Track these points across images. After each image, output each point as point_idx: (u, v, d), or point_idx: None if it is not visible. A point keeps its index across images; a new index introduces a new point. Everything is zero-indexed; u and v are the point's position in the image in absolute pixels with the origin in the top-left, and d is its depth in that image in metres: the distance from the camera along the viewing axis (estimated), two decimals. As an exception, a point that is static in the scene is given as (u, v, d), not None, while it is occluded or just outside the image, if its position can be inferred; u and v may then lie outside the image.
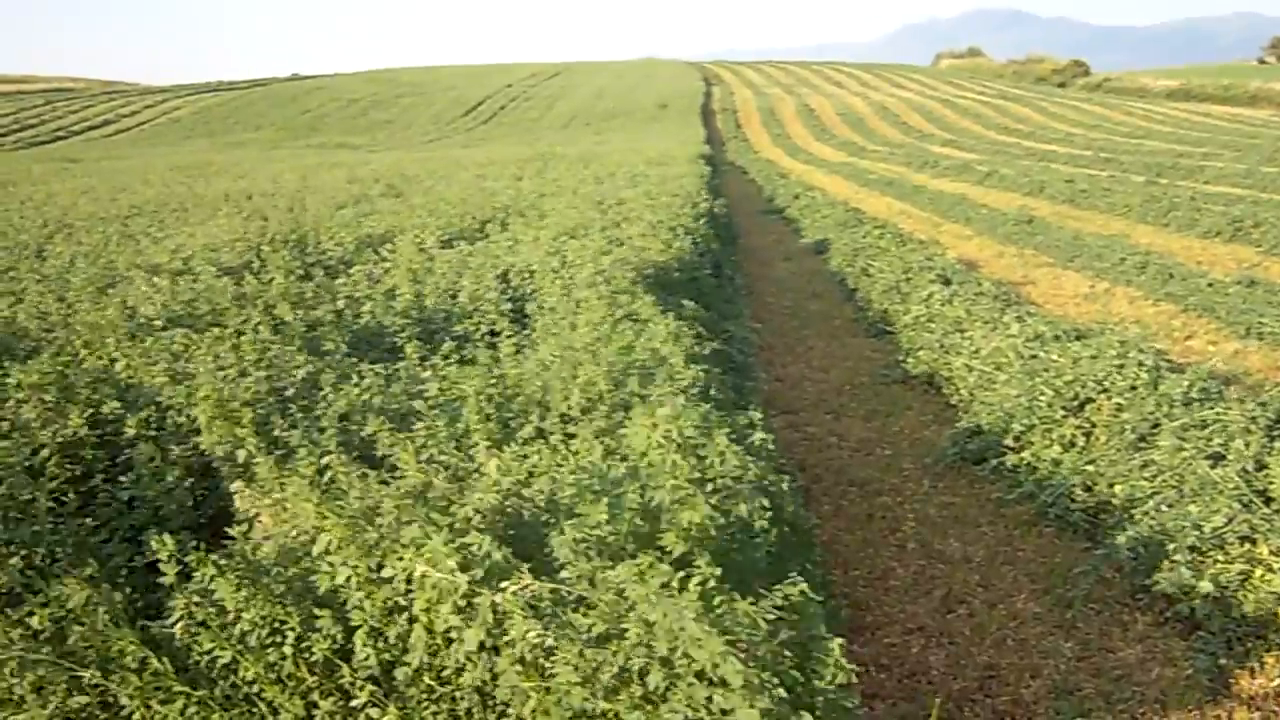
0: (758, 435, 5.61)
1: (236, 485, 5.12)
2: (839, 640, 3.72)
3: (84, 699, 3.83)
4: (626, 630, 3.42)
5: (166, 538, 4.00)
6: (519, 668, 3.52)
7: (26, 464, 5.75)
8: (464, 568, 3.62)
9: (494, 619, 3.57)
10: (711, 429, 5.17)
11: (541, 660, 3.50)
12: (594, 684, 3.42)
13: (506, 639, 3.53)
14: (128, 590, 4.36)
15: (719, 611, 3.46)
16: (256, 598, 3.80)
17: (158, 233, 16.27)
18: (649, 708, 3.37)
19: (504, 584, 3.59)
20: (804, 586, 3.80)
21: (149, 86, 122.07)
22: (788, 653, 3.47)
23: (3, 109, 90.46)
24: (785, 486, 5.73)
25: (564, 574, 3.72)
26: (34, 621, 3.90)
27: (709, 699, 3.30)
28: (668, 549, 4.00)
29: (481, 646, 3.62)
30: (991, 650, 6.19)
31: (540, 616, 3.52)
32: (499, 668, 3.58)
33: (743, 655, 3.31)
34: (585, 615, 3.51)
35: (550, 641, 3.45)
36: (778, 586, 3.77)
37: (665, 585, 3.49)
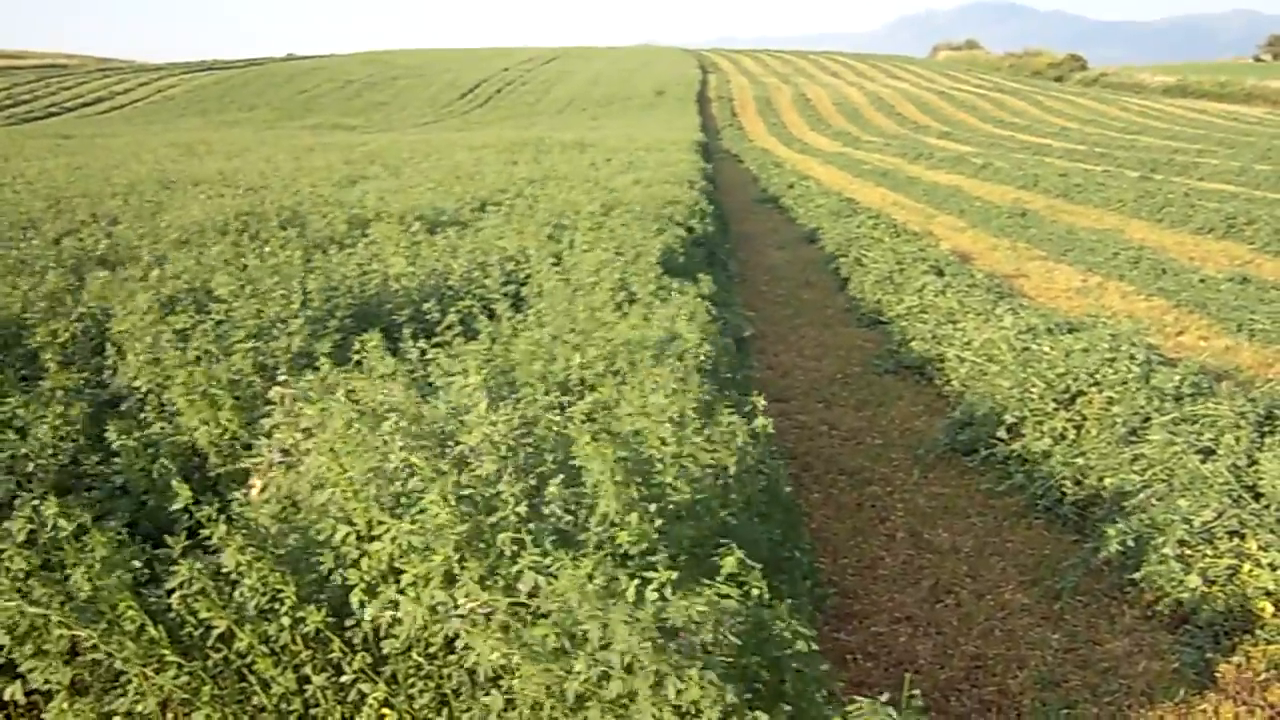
0: (759, 420, 5.60)
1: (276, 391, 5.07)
2: (788, 603, 3.72)
3: (86, 661, 3.85)
4: (586, 636, 3.40)
5: (184, 487, 4.00)
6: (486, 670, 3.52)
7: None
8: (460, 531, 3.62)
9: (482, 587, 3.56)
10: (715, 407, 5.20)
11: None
12: (560, 696, 3.41)
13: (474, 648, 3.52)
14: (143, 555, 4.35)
15: (667, 610, 3.43)
16: (258, 562, 3.80)
17: (150, 210, 16.19)
18: (620, 711, 3.37)
19: (461, 600, 3.58)
20: (739, 556, 3.80)
21: (143, 64, 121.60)
22: (735, 638, 3.46)
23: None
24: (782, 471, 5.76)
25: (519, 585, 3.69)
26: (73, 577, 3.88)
27: (675, 705, 3.30)
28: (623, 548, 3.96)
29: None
30: (979, 640, 6.21)
31: (501, 629, 3.51)
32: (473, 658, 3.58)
33: (696, 656, 3.30)
34: (540, 627, 3.49)
35: (516, 659, 3.43)
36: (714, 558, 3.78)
37: (610, 591, 3.47)
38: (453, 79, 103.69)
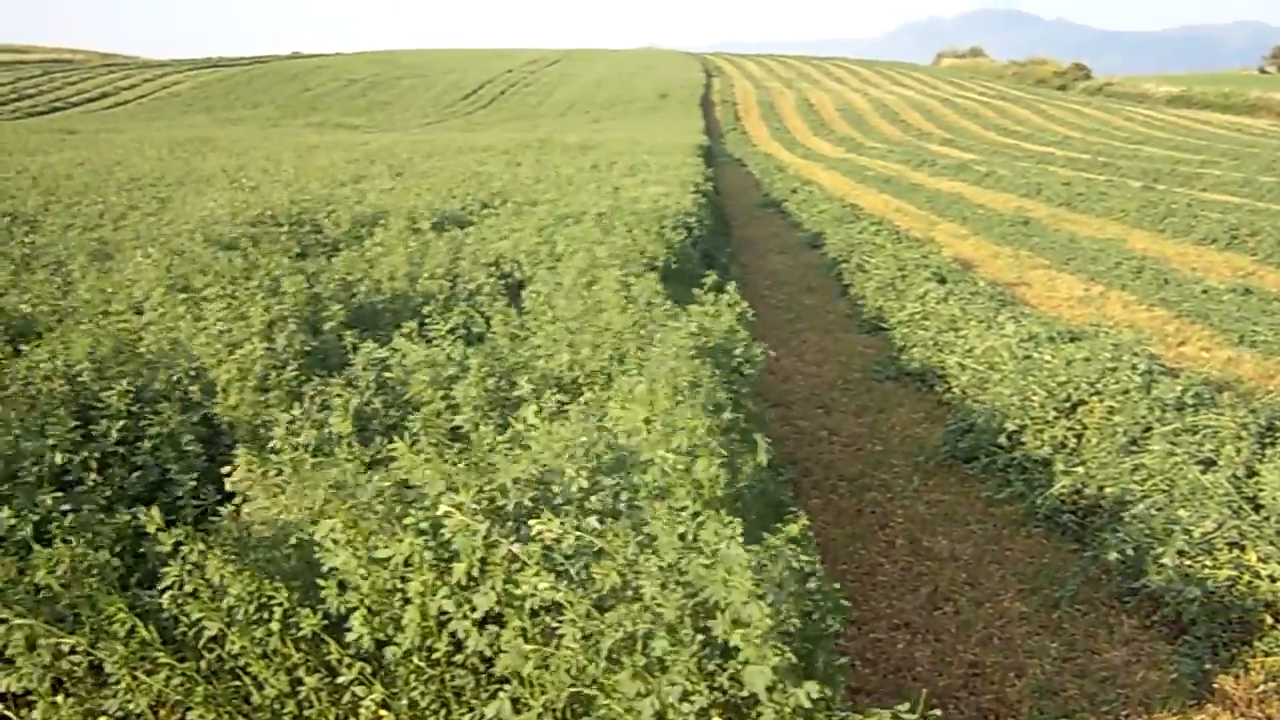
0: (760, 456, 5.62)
1: (239, 459, 5.06)
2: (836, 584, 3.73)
3: (72, 661, 3.83)
4: (641, 588, 3.41)
5: (155, 511, 3.97)
6: (520, 641, 3.51)
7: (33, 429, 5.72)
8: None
9: (505, 576, 3.56)
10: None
11: (546, 623, 3.50)
12: (597, 649, 3.41)
13: (514, 601, 3.52)
14: (125, 557, 4.33)
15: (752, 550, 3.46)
16: (243, 574, 3.78)
17: (154, 206, 16.20)
18: (650, 679, 3.36)
19: (531, 522, 3.59)
20: (804, 523, 3.81)
21: (148, 60, 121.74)
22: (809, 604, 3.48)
23: (1, 79, 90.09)
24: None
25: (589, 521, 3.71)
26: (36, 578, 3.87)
27: (718, 664, 3.31)
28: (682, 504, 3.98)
29: (483, 622, 3.61)
30: (977, 648, 6.20)
31: (554, 570, 3.52)
32: (503, 638, 3.57)
33: (769, 600, 3.31)
34: (600, 568, 3.49)
35: (560, 597, 3.43)
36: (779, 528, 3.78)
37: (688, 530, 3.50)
38: (456, 80, 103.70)
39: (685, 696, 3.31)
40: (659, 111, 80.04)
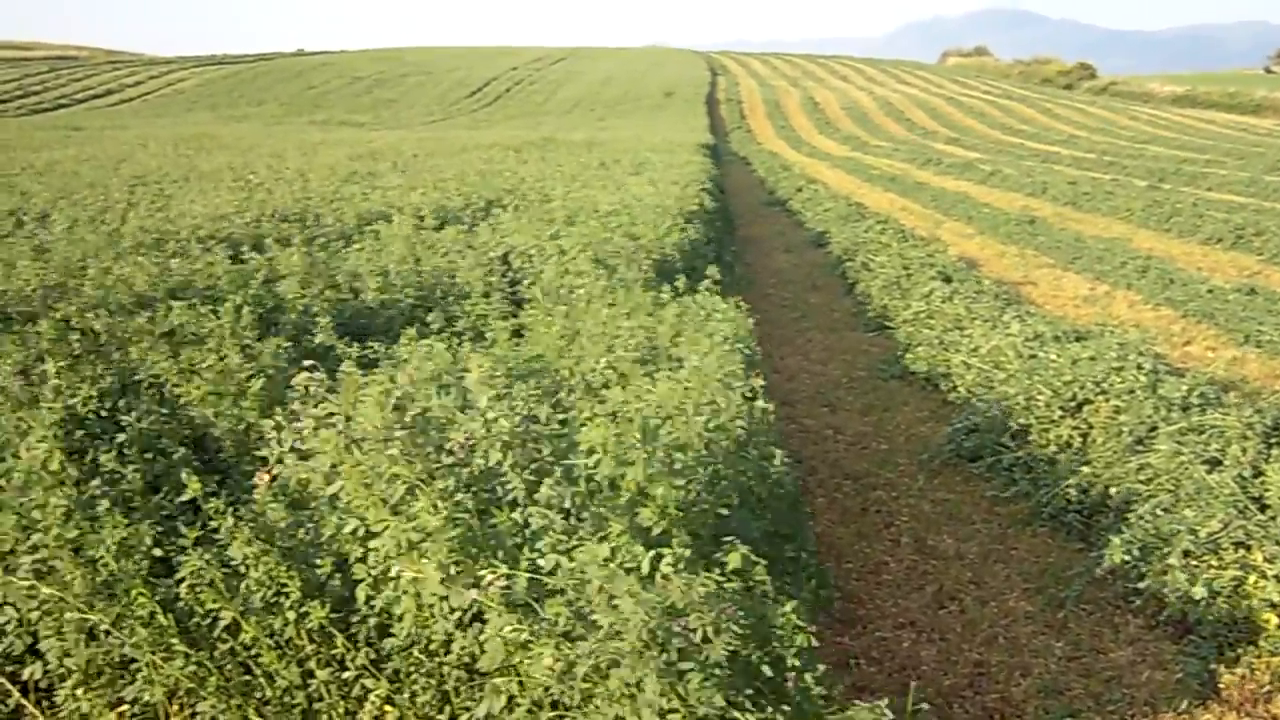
0: (759, 404, 5.61)
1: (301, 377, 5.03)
2: (793, 603, 3.72)
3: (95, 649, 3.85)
4: (596, 620, 3.41)
5: (194, 478, 3.99)
6: (499, 641, 3.52)
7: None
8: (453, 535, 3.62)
9: (470, 611, 3.57)
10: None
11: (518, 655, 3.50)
12: (570, 679, 3.41)
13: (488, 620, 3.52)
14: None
15: (668, 589, 3.46)
16: (265, 556, 3.79)
17: (160, 203, 16.21)
18: (625, 702, 3.37)
19: (481, 572, 3.57)
20: (744, 551, 3.80)
21: (154, 57, 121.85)
22: (737, 628, 3.47)
23: (6, 75, 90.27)
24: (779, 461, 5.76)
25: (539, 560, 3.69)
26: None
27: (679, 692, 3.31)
28: (645, 524, 3.97)
29: (466, 619, 3.62)
30: (982, 647, 6.19)
31: (515, 607, 3.51)
32: (484, 637, 3.57)
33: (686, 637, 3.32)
34: (553, 605, 3.49)
35: (526, 637, 3.44)
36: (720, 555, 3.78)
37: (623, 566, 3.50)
38: (461, 77, 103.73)
39: (663, 715, 3.33)
40: (664, 110, 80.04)
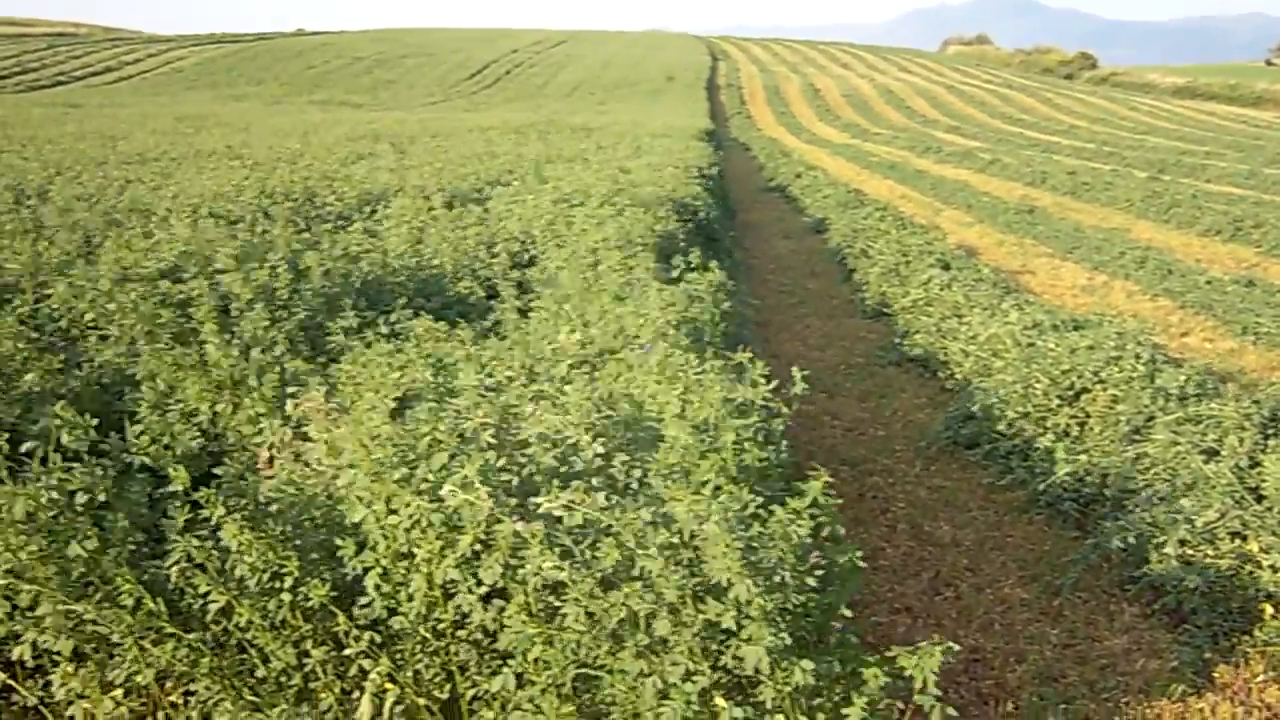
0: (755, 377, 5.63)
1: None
2: (854, 549, 3.72)
3: (83, 631, 3.85)
4: (645, 568, 3.40)
5: (181, 470, 3.98)
6: (525, 617, 3.51)
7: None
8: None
9: (510, 551, 3.54)
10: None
11: (550, 601, 3.50)
12: (600, 629, 3.42)
13: (518, 577, 3.51)
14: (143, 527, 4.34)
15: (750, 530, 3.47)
16: (259, 542, 3.79)
17: (157, 181, 16.18)
18: (653, 658, 3.37)
19: (535, 499, 3.57)
20: (823, 482, 3.78)
21: (153, 35, 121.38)
22: (813, 581, 3.47)
23: (5, 51, 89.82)
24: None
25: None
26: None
27: (720, 644, 3.31)
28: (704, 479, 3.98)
29: (489, 595, 3.62)
30: (978, 634, 6.21)
31: (558, 548, 3.51)
32: (507, 613, 3.57)
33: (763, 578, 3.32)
34: (605, 545, 3.48)
35: (564, 575, 3.43)
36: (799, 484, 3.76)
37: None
38: (462, 59, 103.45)
39: (688, 676, 3.33)
40: (664, 94, 79.87)
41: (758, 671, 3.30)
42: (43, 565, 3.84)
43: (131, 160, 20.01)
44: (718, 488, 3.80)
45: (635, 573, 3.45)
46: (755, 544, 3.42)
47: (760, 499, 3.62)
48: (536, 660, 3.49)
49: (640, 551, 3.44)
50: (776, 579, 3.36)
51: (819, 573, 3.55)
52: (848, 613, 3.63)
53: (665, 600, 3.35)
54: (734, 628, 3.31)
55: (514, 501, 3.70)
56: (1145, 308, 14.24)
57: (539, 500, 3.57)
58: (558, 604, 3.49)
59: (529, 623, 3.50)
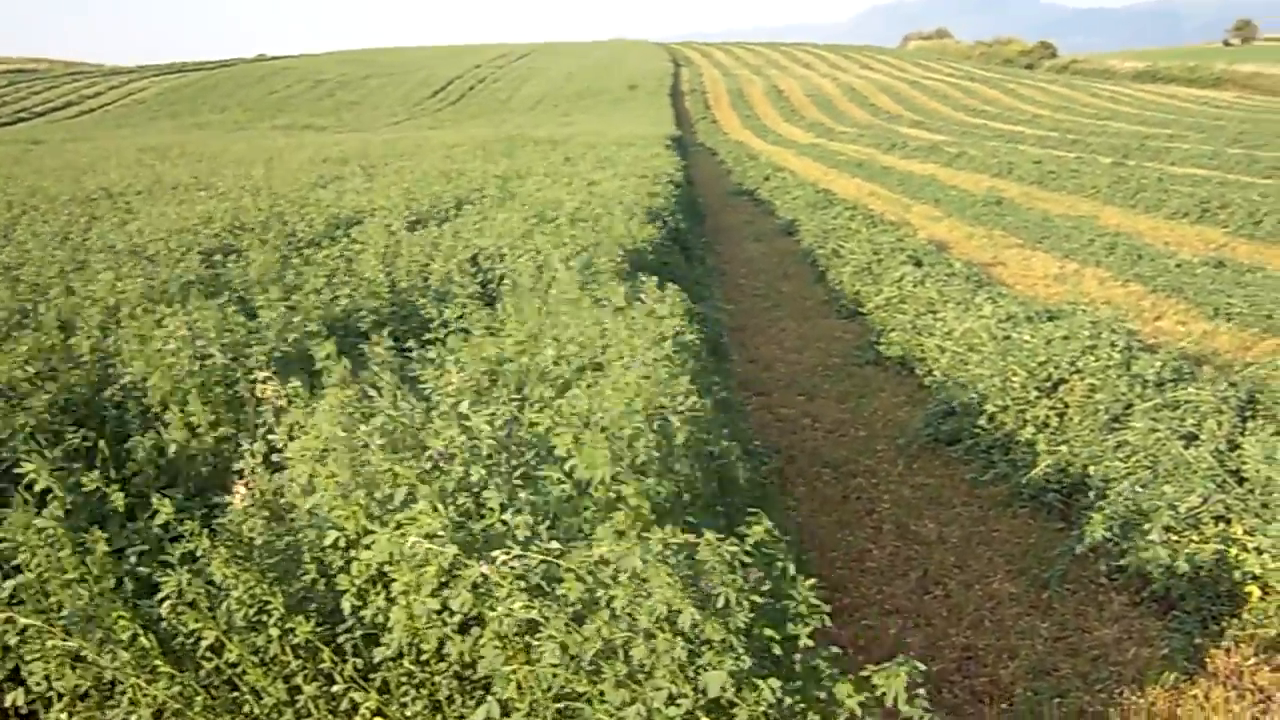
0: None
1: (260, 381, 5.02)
2: (810, 580, 3.72)
3: (83, 671, 3.82)
4: (613, 598, 3.39)
5: (166, 501, 3.95)
6: (498, 644, 3.49)
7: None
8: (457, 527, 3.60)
9: (477, 594, 3.53)
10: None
11: (524, 638, 3.47)
12: (577, 662, 3.39)
13: (491, 613, 3.49)
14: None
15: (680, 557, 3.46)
16: (244, 575, 3.76)
17: (123, 217, 16.08)
18: (634, 686, 3.35)
19: (494, 553, 3.54)
20: (768, 524, 3.79)
21: (114, 67, 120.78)
22: (756, 599, 3.45)
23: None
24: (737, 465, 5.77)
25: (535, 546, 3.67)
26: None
27: (691, 666, 3.30)
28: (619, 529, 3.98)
29: (464, 624, 3.59)
30: (969, 631, 6.21)
31: (527, 589, 3.48)
32: (481, 642, 3.54)
33: (704, 605, 3.31)
34: (566, 586, 3.46)
35: (535, 615, 3.41)
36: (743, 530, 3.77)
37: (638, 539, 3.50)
38: (424, 77, 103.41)
39: (671, 700, 3.31)
40: (629, 103, 79.94)
41: (725, 692, 3.30)
42: (58, 588, 3.83)
43: (96, 195, 19.88)
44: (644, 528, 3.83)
45: (602, 604, 3.43)
46: (692, 571, 3.42)
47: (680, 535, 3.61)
48: (519, 688, 3.47)
49: (602, 586, 3.42)
50: (720, 604, 3.35)
51: (766, 600, 3.53)
52: (809, 642, 3.61)
53: (640, 627, 3.33)
54: (685, 658, 3.30)
55: (479, 529, 3.67)
56: (1117, 294, 14.30)
57: (497, 554, 3.53)
58: (533, 641, 3.46)
59: (503, 651, 3.47)
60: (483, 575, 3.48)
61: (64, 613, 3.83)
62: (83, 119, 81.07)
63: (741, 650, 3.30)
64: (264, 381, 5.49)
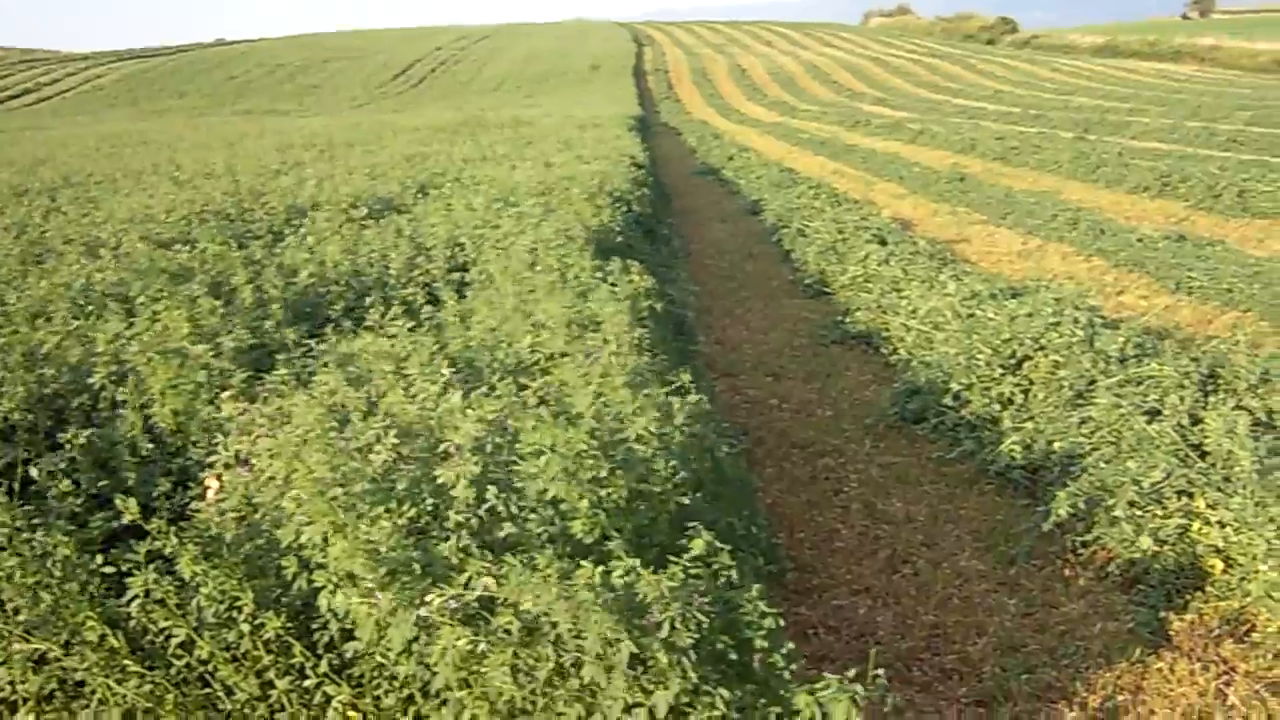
0: (693, 396, 5.61)
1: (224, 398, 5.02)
2: (757, 587, 3.75)
3: (46, 675, 3.80)
4: (555, 624, 3.40)
5: (131, 501, 3.94)
6: (448, 663, 3.49)
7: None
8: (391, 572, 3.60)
9: (418, 630, 3.55)
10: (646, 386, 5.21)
11: (473, 664, 3.48)
12: (529, 683, 3.41)
13: (438, 642, 3.49)
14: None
15: (620, 589, 3.47)
16: (215, 571, 3.75)
17: (85, 206, 15.93)
18: (589, 699, 3.37)
19: (429, 596, 3.54)
20: (707, 538, 3.82)
21: (70, 54, 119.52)
22: (703, 616, 3.47)
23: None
24: (721, 446, 5.79)
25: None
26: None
27: (641, 685, 3.32)
28: (578, 537, 3.99)
29: (411, 643, 3.60)
30: (937, 609, 6.25)
31: (466, 621, 3.48)
32: (433, 659, 3.54)
33: (647, 632, 3.33)
34: (503, 615, 3.47)
35: (482, 647, 3.42)
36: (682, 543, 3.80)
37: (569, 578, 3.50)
38: (385, 60, 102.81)
39: (627, 709, 3.34)
40: (591, 83, 79.76)
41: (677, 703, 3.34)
42: (15, 594, 3.81)
43: (57, 185, 19.68)
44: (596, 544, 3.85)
45: (545, 630, 3.44)
46: (632, 606, 3.44)
47: (625, 565, 3.63)
48: (475, 699, 3.48)
49: (544, 616, 3.44)
50: (663, 633, 3.37)
51: (713, 611, 3.55)
52: (764, 643, 3.64)
53: (589, 650, 3.34)
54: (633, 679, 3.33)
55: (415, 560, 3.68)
56: (1080, 269, 14.40)
57: (430, 597, 3.52)
58: (481, 668, 3.47)
59: (453, 669, 3.47)
60: (420, 618, 3.49)
61: (20, 617, 3.81)
62: (40, 107, 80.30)
63: (689, 667, 3.32)
64: (229, 399, 5.45)
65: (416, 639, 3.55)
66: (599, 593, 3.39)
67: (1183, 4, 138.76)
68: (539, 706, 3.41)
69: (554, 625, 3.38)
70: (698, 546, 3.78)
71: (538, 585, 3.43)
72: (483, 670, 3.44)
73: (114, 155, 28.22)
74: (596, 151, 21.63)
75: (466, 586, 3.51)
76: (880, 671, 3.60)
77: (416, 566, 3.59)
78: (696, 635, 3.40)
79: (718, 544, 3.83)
